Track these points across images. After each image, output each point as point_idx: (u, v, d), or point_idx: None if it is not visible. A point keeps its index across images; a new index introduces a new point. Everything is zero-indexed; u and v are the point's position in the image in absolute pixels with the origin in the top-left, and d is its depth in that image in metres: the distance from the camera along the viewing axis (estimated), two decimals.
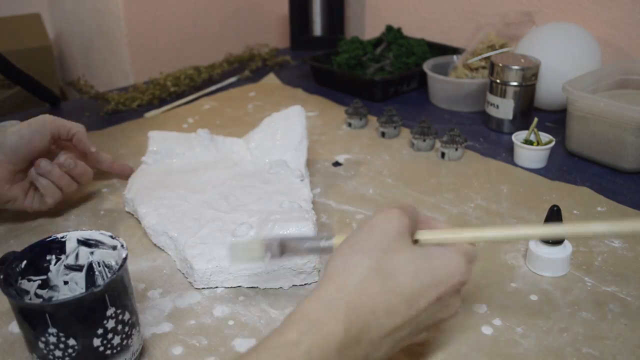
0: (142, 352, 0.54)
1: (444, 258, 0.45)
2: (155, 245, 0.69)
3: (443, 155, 0.89)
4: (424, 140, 0.92)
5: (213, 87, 1.20)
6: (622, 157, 0.84)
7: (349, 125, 1.01)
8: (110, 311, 0.47)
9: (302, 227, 0.62)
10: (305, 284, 0.62)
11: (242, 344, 0.54)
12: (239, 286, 0.62)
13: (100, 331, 0.46)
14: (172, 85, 1.15)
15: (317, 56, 1.24)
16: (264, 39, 1.57)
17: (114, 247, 0.52)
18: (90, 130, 1.01)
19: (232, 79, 1.25)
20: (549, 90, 1.00)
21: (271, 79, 1.25)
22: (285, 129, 0.82)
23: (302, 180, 0.76)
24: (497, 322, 0.57)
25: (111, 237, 0.52)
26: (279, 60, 1.35)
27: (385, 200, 0.79)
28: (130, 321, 0.49)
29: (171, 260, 0.67)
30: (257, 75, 1.29)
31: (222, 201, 0.71)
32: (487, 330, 0.56)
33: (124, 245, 0.51)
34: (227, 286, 0.62)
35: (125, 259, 0.49)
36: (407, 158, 0.90)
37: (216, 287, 0.62)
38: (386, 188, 0.82)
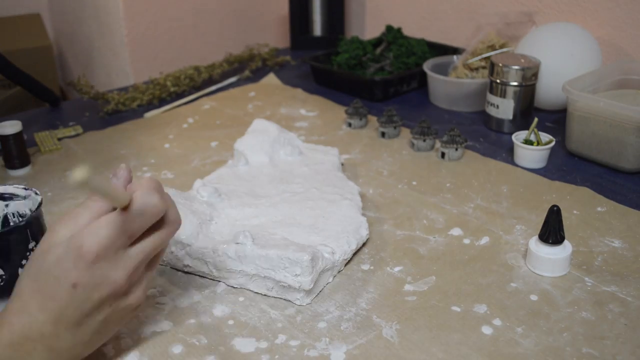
0: (142, 350, 0.54)
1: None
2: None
3: (443, 155, 0.90)
4: (424, 140, 0.92)
5: (213, 87, 1.20)
6: (622, 157, 0.84)
7: (349, 125, 1.01)
8: (32, 244, 0.55)
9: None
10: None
11: (241, 344, 0.54)
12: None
13: (24, 262, 0.55)
14: (172, 85, 1.15)
15: (317, 56, 1.24)
16: (264, 39, 1.57)
17: (26, 197, 0.59)
18: (90, 130, 1.01)
19: (232, 79, 1.25)
20: (549, 90, 1.00)
21: (271, 79, 1.25)
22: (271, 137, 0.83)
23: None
24: (497, 322, 0.57)
25: (24, 188, 0.59)
26: (279, 60, 1.35)
27: (385, 200, 0.79)
28: None
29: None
30: (257, 75, 1.29)
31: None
32: (487, 330, 0.56)
33: (38, 193, 0.59)
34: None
35: (40, 203, 0.57)
36: (407, 158, 0.90)
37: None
38: (386, 188, 0.82)
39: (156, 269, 0.52)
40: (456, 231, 0.71)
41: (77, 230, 0.46)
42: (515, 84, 0.95)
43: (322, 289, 0.62)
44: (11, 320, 0.45)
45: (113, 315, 0.48)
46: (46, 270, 0.45)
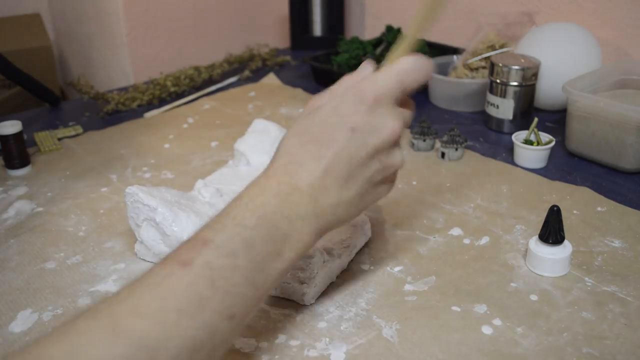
0: None
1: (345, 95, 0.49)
2: None
3: (443, 155, 0.90)
4: (424, 140, 0.92)
5: (213, 87, 1.20)
6: (622, 157, 0.84)
7: None
8: None
9: None
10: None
11: (241, 344, 0.54)
12: None
13: None
14: (172, 85, 1.15)
15: (317, 56, 1.24)
16: (264, 39, 1.57)
17: None
18: (90, 130, 1.01)
19: (232, 79, 1.25)
20: (549, 90, 1.00)
21: (271, 79, 1.25)
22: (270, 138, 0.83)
23: None
24: (497, 322, 0.57)
25: None
26: (279, 60, 1.35)
27: (385, 199, 0.79)
28: None
29: None
30: (257, 75, 1.29)
31: None
32: (487, 330, 0.56)
33: None
34: None
35: None
36: (407, 158, 0.90)
37: None
38: None
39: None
40: (456, 231, 0.71)
41: (352, 84, 0.49)
42: (515, 84, 0.95)
43: (326, 288, 0.62)
44: (278, 172, 0.46)
45: (376, 177, 0.48)
46: (320, 121, 0.46)
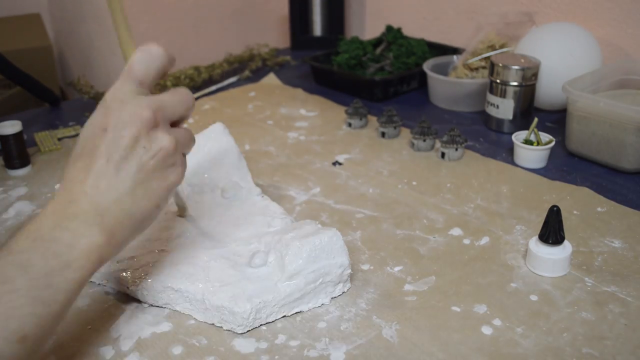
0: (142, 351, 0.54)
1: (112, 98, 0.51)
2: (153, 305, 0.60)
3: (443, 155, 0.90)
4: (424, 140, 0.92)
5: (213, 87, 1.20)
6: (622, 157, 0.84)
7: (349, 125, 1.01)
8: None
9: (318, 239, 0.58)
10: (343, 293, 0.61)
11: (241, 344, 0.54)
12: (284, 316, 0.58)
13: None
14: (172, 85, 1.15)
15: (317, 56, 1.24)
16: (264, 39, 1.57)
17: None
18: None
19: (232, 79, 1.25)
20: (549, 90, 1.00)
21: (271, 79, 1.25)
22: (218, 149, 0.75)
23: (262, 196, 0.73)
24: (497, 322, 0.57)
25: None
26: (279, 60, 1.35)
27: (385, 200, 0.79)
28: None
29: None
30: (257, 75, 1.29)
31: (201, 238, 0.65)
32: (487, 330, 0.56)
33: None
34: (271, 320, 0.57)
35: None
36: (407, 158, 0.90)
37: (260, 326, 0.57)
38: (386, 188, 0.82)
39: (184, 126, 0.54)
40: (456, 231, 0.71)
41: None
42: (515, 84, 0.95)
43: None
44: (55, 197, 0.47)
45: (149, 163, 0.48)
46: (82, 139, 0.49)
